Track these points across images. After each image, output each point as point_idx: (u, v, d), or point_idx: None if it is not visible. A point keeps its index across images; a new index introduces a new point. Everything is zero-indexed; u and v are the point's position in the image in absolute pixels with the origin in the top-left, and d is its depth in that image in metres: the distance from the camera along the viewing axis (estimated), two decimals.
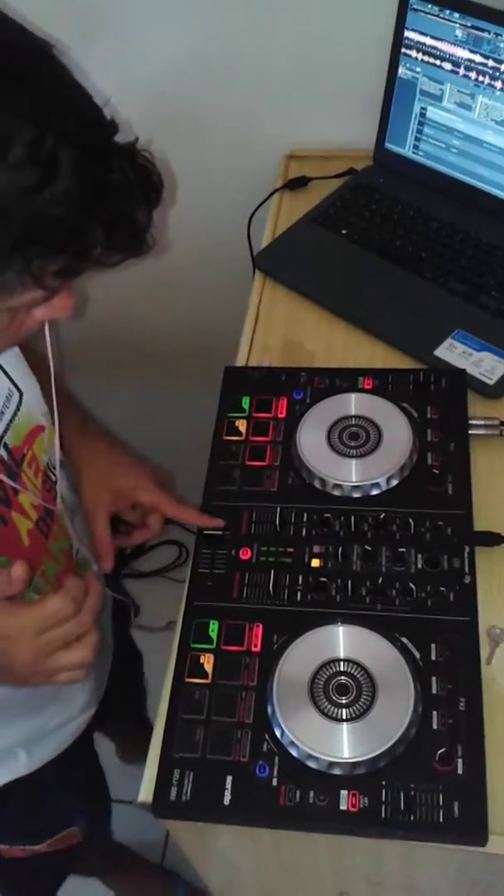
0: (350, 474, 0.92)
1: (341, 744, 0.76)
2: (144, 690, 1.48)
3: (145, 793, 0.78)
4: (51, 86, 0.58)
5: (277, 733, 0.77)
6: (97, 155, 0.59)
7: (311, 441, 0.95)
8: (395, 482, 0.91)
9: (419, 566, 0.86)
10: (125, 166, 0.61)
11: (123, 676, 1.23)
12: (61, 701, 1.02)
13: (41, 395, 0.89)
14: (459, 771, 0.74)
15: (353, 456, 0.93)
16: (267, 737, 0.77)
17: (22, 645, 0.75)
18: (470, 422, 0.96)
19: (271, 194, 1.28)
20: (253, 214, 1.27)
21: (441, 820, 0.72)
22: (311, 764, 0.75)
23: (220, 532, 0.90)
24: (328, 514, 0.90)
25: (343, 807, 0.74)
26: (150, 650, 1.42)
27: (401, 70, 1.17)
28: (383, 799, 0.73)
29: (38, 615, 0.75)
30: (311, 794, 0.74)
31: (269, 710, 0.78)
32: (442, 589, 0.84)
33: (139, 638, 1.41)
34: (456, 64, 1.12)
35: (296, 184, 1.29)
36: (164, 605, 1.11)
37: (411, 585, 0.85)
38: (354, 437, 0.95)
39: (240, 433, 0.97)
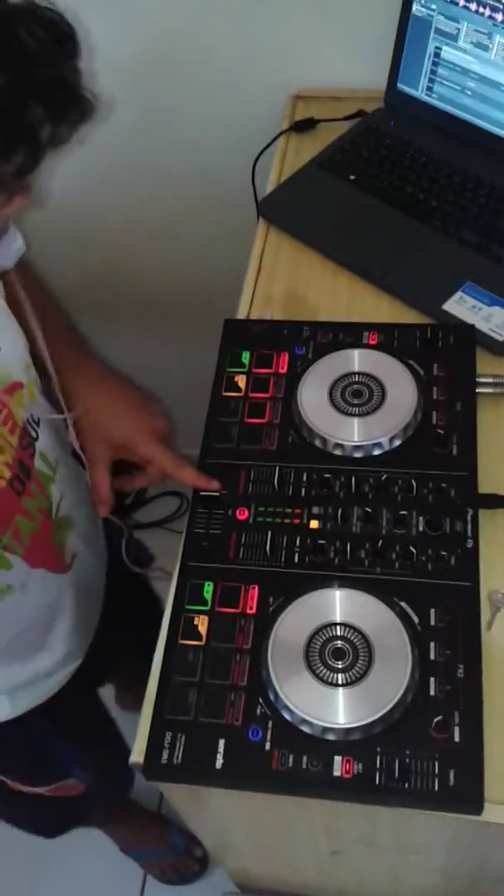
0: (352, 433, 0.89)
1: (336, 709, 0.74)
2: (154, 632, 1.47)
3: (137, 753, 0.77)
4: None
5: (272, 697, 0.76)
6: (4, 23, 0.55)
7: (313, 398, 0.92)
8: (398, 442, 0.89)
9: (420, 529, 0.84)
10: (31, 25, 0.57)
11: (122, 618, 1.20)
12: (46, 648, 1.01)
13: (24, 350, 0.86)
14: (456, 739, 0.73)
15: (355, 414, 0.90)
16: (261, 700, 0.76)
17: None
18: (478, 380, 0.93)
19: (277, 136, 1.23)
20: (258, 158, 1.22)
21: (436, 788, 0.71)
22: (305, 728, 0.74)
23: (216, 493, 0.88)
24: (328, 475, 0.87)
25: (337, 773, 0.72)
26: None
27: (415, 7, 1.11)
28: (378, 766, 0.72)
29: None
30: (305, 759, 0.73)
31: (264, 673, 0.77)
32: (443, 553, 0.82)
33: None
34: (473, 1, 1.06)
35: (303, 126, 1.23)
36: (165, 557, 1.10)
37: (412, 549, 0.82)
38: (357, 395, 0.92)
39: (239, 389, 0.94)
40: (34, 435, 0.89)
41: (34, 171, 0.61)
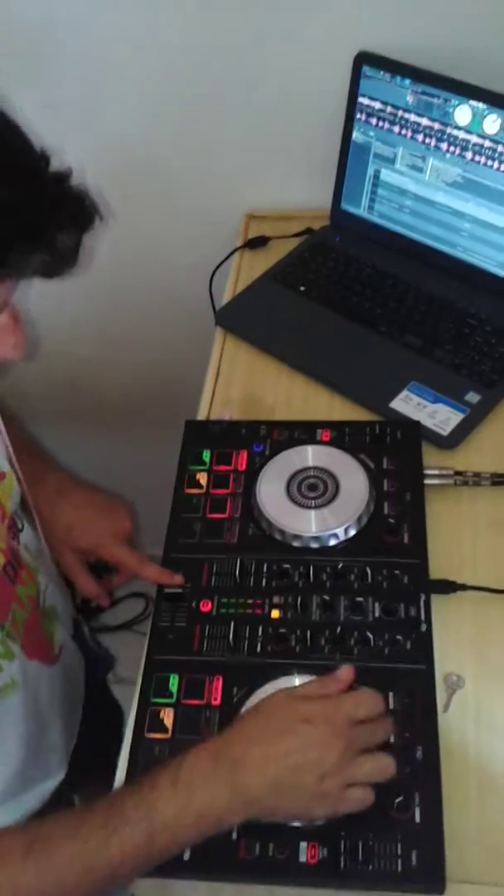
0: (309, 525, 0.94)
1: None
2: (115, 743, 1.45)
3: None
4: None
5: None
6: (19, 177, 0.61)
7: (271, 493, 0.97)
8: (352, 532, 0.93)
9: (376, 615, 0.87)
10: (51, 188, 0.64)
11: (98, 734, 1.20)
12: (36, 759, 1.00)
13: (5, 443, 0.90)
14: (417, 819, 0.75)
15: (311, 507, 0.95)
16: None
17: (337, 730, 0.69)
18: (425, 472, 0.98)
19: (232, 253, 1.32)
20: (214, 272, 1.31)
21: (399, 869, 0.73)
22: None
23: (180, 588, 0.91)
24: (287, 565, 0.91)
25: (303, 859, 0.74)
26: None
27: (355, 134, 1.22)
28: (342, 849, 0.74)
29: (353, 702, 0.72)
30: (271, 846, 0.74)
31: None
32: (399, 637, 0.86)
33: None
34: (407, 128, 1.17)
35: (255, 243, 1.33)
36: (132, 659, 1.11)
37: (369, 634, 0.86)
38: (313, 489, 0.97)
39: (200, 486, 0.99)
40: (20, 526, 0.92)
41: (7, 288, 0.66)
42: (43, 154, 0.64)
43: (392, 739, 0.78)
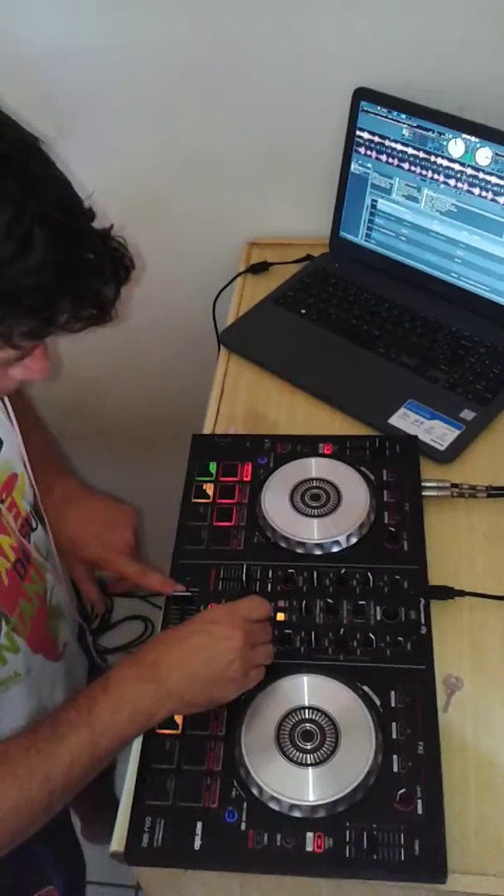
0: (312, 533, 0.97)
1: (307, 788, 0.79)
2: (114, 764, 1.48)
3: (117, 843, 0.80)
4: (34, 173, 0.65)
5: (245, 780, 0.80)
6: (70, 235, 0.66)
7: (275, 502, 1.00)
8: (354, 540, 0.97)
9: (378, 618, 0.91)
10: (97, 247, 0.69)
11: None
12: None
13: (21, 443, 0.94)
14: (419, 811, 0.78)
15: (314, 515, 0.99)
16: (236, 783, 0.81)
17: (236, 626, 0.81)
18: (423, 484, 1.03)
19: (235, 278, 1.37)
20: (218, 296, 1.36)
21: (402, 858, 0.76)
22: (279, 808, 0.78)
23: (188, 592, 0.94)
24: (292, 571, 0.95)
25: (309, 848, 0.76)
26: None
27: (353, 166, 1.28)
28: (347, 839, 0.77)
29: (247, 605, 0.84)
30: (279, 836, 0.77)
31: (238, 757, 0.82)
32: (400, 639, 0.89)
33: None
34: (403, 160, 1.23)
35: (258, 268, 1.38)
36: None
37: (371, 636, 0.89)
38: (315, 498, 1.00)
39: (207, 496, 1.03)
40: (34, 525, 0.95)
41: (39, 339, 0.70)
42: (91, 212, 0.70)
43: (395, 735, 0.82)
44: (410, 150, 1.21)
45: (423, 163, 1.21)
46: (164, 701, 0.78)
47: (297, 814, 0.78)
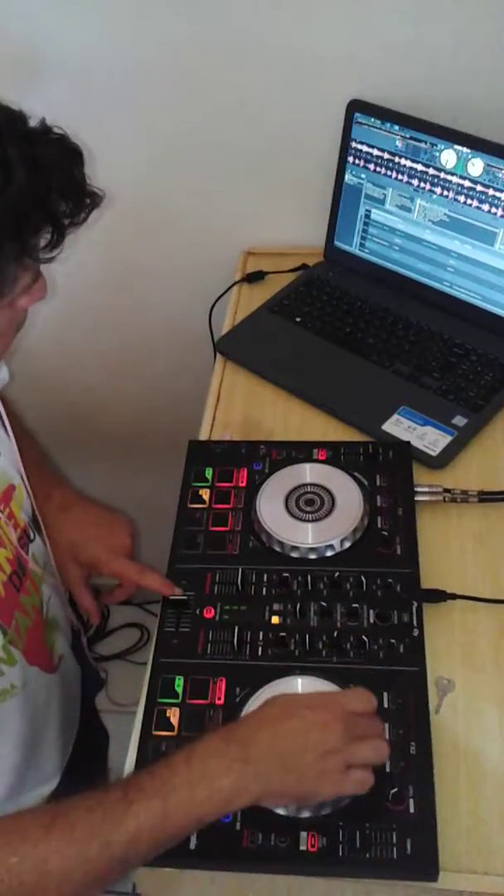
0: (306, 537, 0.99)
1: None
2: (107, 772, 1.48)
3: None
4: None
5: None
6: (31, 139, 0.72)
7: (270, 507, 1.02)
8: (347, 544, 0.99)
9: (371, 621, 0.92)
10: (50, 142, 0.74)
11: (87, 753, 1.24)
12: (32, 765, 1.03)
13: (17, 455, 0.95)
14: (411, 810, 0.79)
15: (308, 520, 1.00)
16: None
17: (336, 716, 0.75)
18: (415, 489, 1.04)
19: (231, 286, 1.39)
20: (214, 304, 1.38)
21: (395, 857, 0.77)
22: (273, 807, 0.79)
23: (184, 596, 0.96)
24: (286, 574, 0.96)
25: (303, 847, 0.77)
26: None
27: (347, 176, 1.30)
28: (340, 839, 0.78)
29: (349, 696, 0.79)
30: (273, 836, 0.78)
31: None
32: (392, 641, 0.90)
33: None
34: (396, 171, 1.25)
35: (253, 277, 1.40)
36: (126, 688, 1.11)
37: (364, 639, 0.91)
38: (310, 503, 1.02)
39: (203, 501, 1.04)
40: (31, 537, 0.96)
41: (58, 248, 0.75)
42: (23, 114, 0.74)
43: (387, 736, 0.83)
44: (403, 161, 1.23)
45: (415, 173, 1.23)
46: (249, 784, 0.72)
47: (290, 814, 0.79)
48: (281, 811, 0.79)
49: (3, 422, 0.95)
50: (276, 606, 0.94)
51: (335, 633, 0.91)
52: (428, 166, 1.21)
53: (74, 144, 0.77)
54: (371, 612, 0.93)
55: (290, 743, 0.73)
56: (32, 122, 0.74)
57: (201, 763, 0.72)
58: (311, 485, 1.04)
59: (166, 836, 0.70)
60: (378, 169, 1.26)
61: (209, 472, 1.07)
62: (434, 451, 1.09)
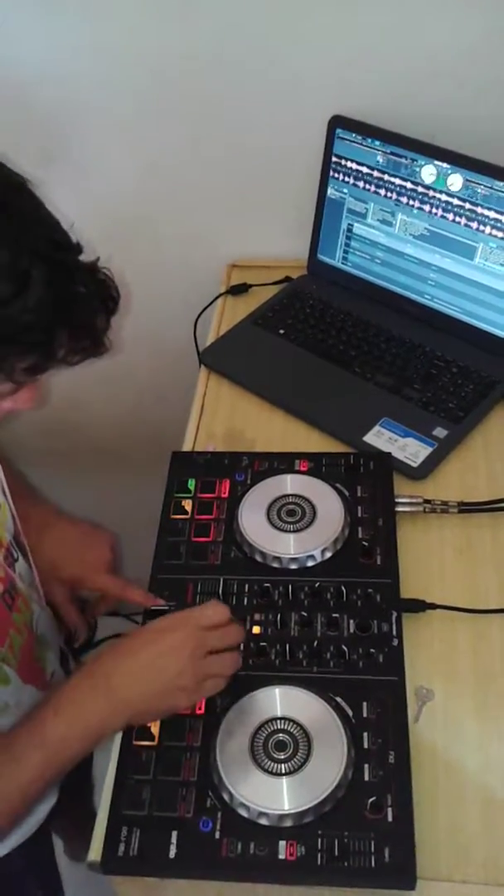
0: (288, 547, 1.00)
1: (280, 796, 0.81)
2: (92, 782, 1.48)
3: (94, 852, 0.81)
4: (25, 213, 0.68)
5: (220, 789, 0.82)
6: (64, 271, 0.68)
7: (252, 518, 1.03)
8: (328, 554, 0.99)
9: (351, 631, 0.93)
10: (88, 281, 0.72)
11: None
12: None
13: (1, 473, 0.95)
14: (389, 819, 0.80)
15: (290, 531, 1.01)
16: (210, 793, 0.82)
17: (187, 635, 0.83)
18: (396, 500, 1.05)
19: (215, 299, 1.40)
20: (199, 317, 1.39)
21: (373, 865, 0.77)
22: (253, 817, 0.80)
23: (166, 606, 0.96)
24: (268, 585, 0.97)
25: (282, 856, 0.78)
26: None
27: (329, 191, 1.31)
28: (319, 847, 0.78)
29: (200, 612, 0.86)
30: (252, 845, 0.79)
31: (213, 768, 0.83)
32: (372, 651, 0.91)
33: None
34: (378, 186, 1.26)
35: (238, 290, 1.41)
36: None
37: (344, 648, 0.91)
38: (291, 514, 1.03)
39: (186, 512, 1.05)
40: (15, 556, 0.97)
41: (39, 374, 0.72)
42: (79, 246, 0.72)
43: (366, 745, 0.84)
44: (385, 176, 1.25)
45: (396, 188, 1.24)
46: (117, 713, 0.81)
47: (269, 822, 0.80)
48: (264, 822, 0.79)
49: None
50: (257, 616, 0.95)
51: (315, 643, 0.92)
52: (408, 181, 1.22)
53: (115, 292, 0.76)
54: (351, 621, 0.94)
55: (148, 667, 0.82)
56: (86, 257, 0.72)
57: (70, 707, 0.79)
58: (292, 495, 1.05)
59: (54, 776, 0.79)
60: (360, 184, 1.28)
61: (192, 483, 1.08)
62: (415, 462, 1.10)
